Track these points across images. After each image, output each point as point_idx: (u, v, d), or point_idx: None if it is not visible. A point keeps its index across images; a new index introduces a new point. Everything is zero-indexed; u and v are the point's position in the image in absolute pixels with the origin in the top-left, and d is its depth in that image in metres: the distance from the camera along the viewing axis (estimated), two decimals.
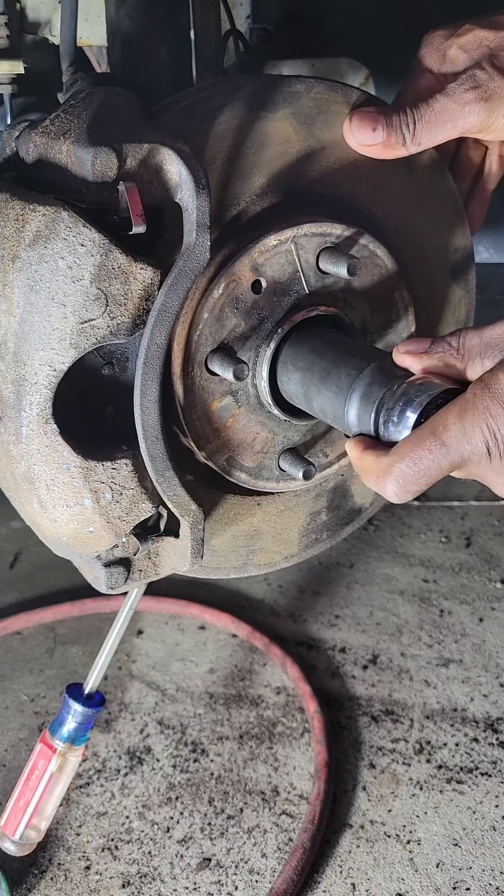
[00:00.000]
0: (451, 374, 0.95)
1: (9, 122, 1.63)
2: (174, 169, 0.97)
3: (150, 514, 1.10)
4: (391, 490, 0.93)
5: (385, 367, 1.02)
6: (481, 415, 0.87)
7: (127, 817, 1.69)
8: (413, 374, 0.98)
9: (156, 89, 1.30)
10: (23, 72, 1.55)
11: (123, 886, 1.56)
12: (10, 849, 1.47)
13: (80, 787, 1.75)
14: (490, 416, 0.87)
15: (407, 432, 0.94)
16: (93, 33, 1.64)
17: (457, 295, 1.37)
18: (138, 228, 0.96)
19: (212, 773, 1.78)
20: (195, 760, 1.81)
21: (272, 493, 1.28)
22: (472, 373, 0.94)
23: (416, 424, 0.93)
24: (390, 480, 0.92)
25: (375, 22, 1.98)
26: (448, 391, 0.93)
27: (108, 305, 0.96)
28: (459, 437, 0.88)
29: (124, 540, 1.12)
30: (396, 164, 1.25)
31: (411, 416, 0.93)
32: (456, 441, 0.88)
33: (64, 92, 1.36)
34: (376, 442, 0.98)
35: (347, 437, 1.27)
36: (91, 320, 0.96)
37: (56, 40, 1.64)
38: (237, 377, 1.06)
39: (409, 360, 0.98)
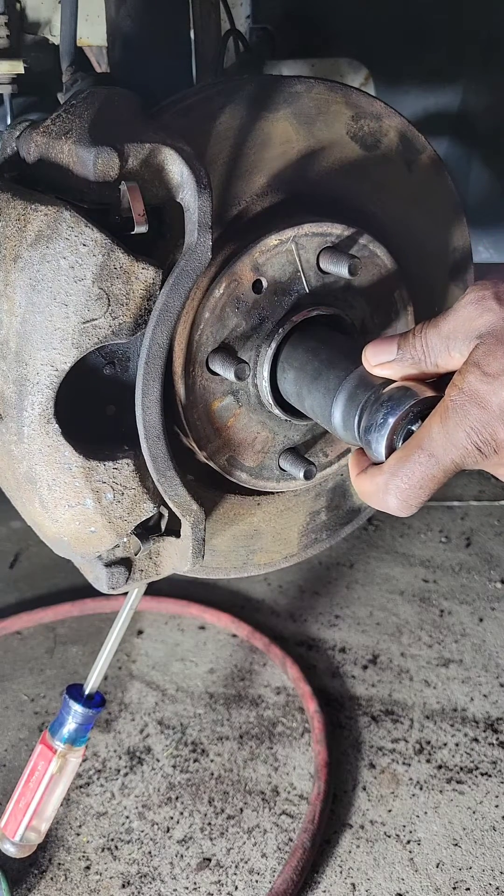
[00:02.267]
0: (429, 375, 0.96)
1: (9, 122, 1.63)
2: (176, 169, 0.97)
3: (151, 514, 1.10)
4: (394, 506, 0.93)
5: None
6: (461, 419, 0.87)
7: (127, 817, 1.69)
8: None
9: (156, 89, 1.30)
10: (23, 72, 1.54)
11: (123, 886, 1.56)
12: (10, 850, 1.47)
13: (80, 787, 1.75)
14: (469, 418, 0.87)
15: (384, 440, 0.95)
16: (93, 33, 1.64)
17: (455, 295, 1.37)
18: (140, 228, 0.96)
19: (212, 773, 1.78)
20: (195, 760, 1.81)
21: (272, 493, 1.28)
22: (445, 365, 0.94)
23: (394, 430, 0.94)
24: (390, 497, 0.93)
25: (375, 22, 1.98)
26: (426, 399, 0.94)
27: (109, 305, 0.96)
28: (446, 444, 0.88)
29: (125, 540, 1.12)
30: (396, 164, 1.25)
31: (389, 423, 0.94)
32: (443, 450, 0.89)
33: (64, 92, 1.36)
34: (371, 463, 0.99)
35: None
36: (93, 320, 0.96)
37: (56, 40, 1.64)
38: (238, 377, 1.06)
39: (383, 371, 0.98)
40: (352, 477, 1.00)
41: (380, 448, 0.95)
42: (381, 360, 0.98)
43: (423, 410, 0.93)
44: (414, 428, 0.94)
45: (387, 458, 0.95)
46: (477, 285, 0.93)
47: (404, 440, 0.94)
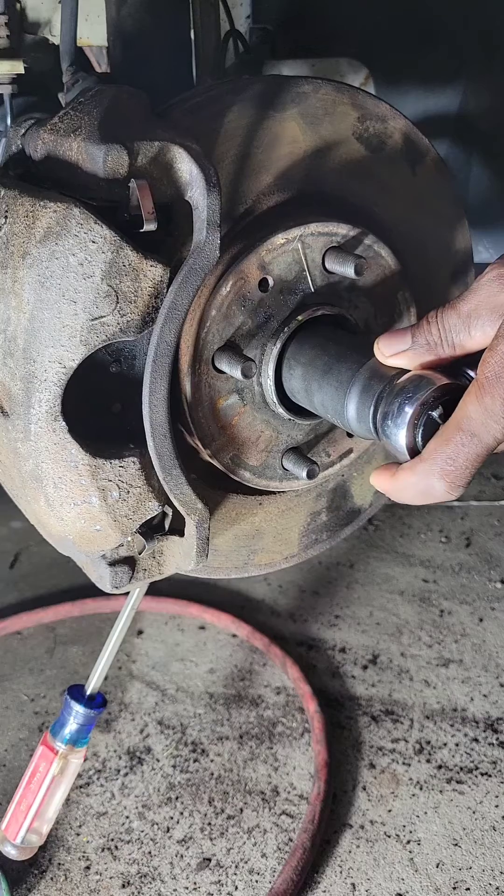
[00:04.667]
0: (445, 359, 0.95)
1: (9, 122, 1.63)
2: (185, 167, 0.97)
3: (156, 513, 1.10)
4: (441, 489, 0.91)
5: None
6: (498, 391, 0.86)
7: (127, 817, 1.69)
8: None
9: (156, 89, 1.30)
10: (23, 72, 1.54)
11: (123, 886, 1.56)
12: (12, 853, 1.46)
13: (81, 787, 1.75)
14: None
15: (404, 428, 0.93)
16: (93, 33, 1.64)
17: (456, 295, 1.38)
18: (149, 226, 0.96)
19: (212, 773, 1.78)
20: (195, 760, 1.81)
21: (274, 493, 1.28)
22: (464, 345, 0.93)
23: (413, 420, 0.93)
24: (436, 481, 0.91)
25: (375, 22, 1.99)
26: (445, 386, 0.93)
27: (118, 302, 0.96)
28: (487, 420, 0.87)
29: (129, 539, 1.11)
30: (400, 166, 1.25)
31: (408, 412, 0.93)
32: (484, 427, 0.87)
33: (65, 92, 1.36)
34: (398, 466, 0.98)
35: (350, 435, 1.28)
36: (101, 317, 0.96)
37: (56, 40, 1.64)
38: (245, 375, 1.06)
39: (397, 360, 0.97)
40: (384, 485, 0.97)
41: (398, 437, 0.94)
42: (395, 350, 0.97)
43: (441, 397, 0.92)
44: (434, 414, 0.92)
45: (407, 447, 0.94)
46: (496, 263, 0.93)
47: (424, 428, 0.93)
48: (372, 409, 0.99)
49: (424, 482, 0.92)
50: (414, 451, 0.94)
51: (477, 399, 0.87)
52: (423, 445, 0.92)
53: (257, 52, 2.00)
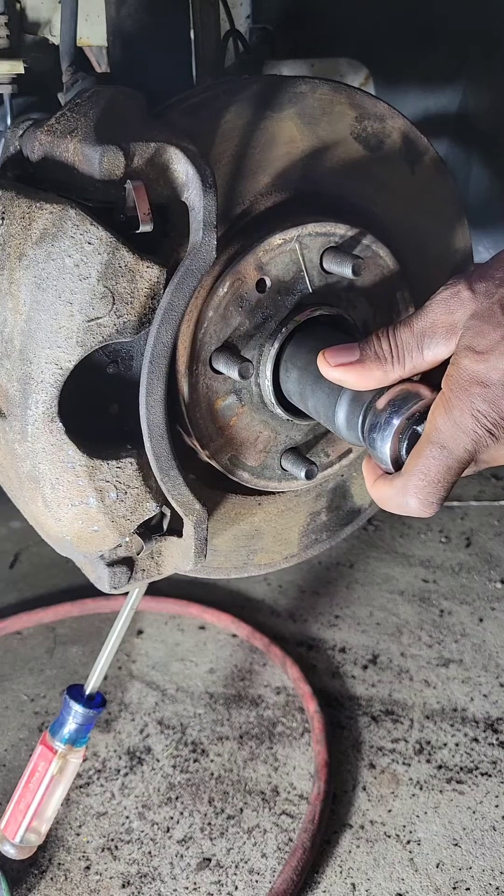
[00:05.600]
0: (392, 377, 0.94)
1: (9, 122, 1.63)
2: (181, 168, 0.97)
3: (154, 514, 1.10)
4: (415, 506, 0.91)
5: None
6: (466, 404, 0.86)
7: (127, 817, 1.69)
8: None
9: (156, 89, 1.30)
10: (23, 72, 1.54)
11: (123, 886, 1.56)
12: (10, 852, 1.46)
13: (80, 787, 1.75)
14: (473, 400, 0.86)
15: (389, 440, 0.94)
16: (93, 33, 1.64)
17: None
18: (145, 227, 0.96)
19: (212, 773, 1.78)
20: (195, 760, 1.81)
21: (273, 493, 1.28)
22: (414, 364, 0.92)
23: (399, 431, 0.93)
24: (410, 498, 0.91)
25: (375, 22, 1.99)
26: (432, 400, 0.92)
27: (114, 304, 0.96)
28: (455, 432, 0.87)
29: (128, 539, 1.11)
30: (399, 165, 1.25)
31: (394, 424, 0.93)
32: (453, 438, 0.87)
33: (64, 92, 1.36)
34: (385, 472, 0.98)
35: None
36: (98, 318, 0.96)
37: (56, 40, 1.64)
38: (242, 376, 1.06)
39: (340, 373, 0.96)
40: (367, 486, 0.98)
41: (384, 448, 0.94)
42: (340, 361, 0.96)
43: (427, 412, 0.92)
44: (419, 429, 0.93)
45: (391, 459, 0.94)
46: (449, 282, 0.92)
47: (409, 441, 0.93)
48: (361, 417, 0.99)
49: (400, 498, 0.92)
50: (398, 464, 0.95)
51: (445, 412, 0.87)
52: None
53: (257, 52, 2.00)
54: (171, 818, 1.69)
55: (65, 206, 0.94)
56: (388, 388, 0.96)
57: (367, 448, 0.99)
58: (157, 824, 1.67)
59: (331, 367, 0.96)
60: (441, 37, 1.97)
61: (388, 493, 0.94)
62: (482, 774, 1.76)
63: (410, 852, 1.61)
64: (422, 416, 0.93)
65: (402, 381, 0.96)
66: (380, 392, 0.97)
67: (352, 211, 1.19)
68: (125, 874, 1.58)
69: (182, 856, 1.61)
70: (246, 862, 1.60)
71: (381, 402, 0.95)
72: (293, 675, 1.98)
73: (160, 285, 0.98)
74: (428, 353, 0.91)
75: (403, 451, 0.94)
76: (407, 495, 0.91)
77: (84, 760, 1.76)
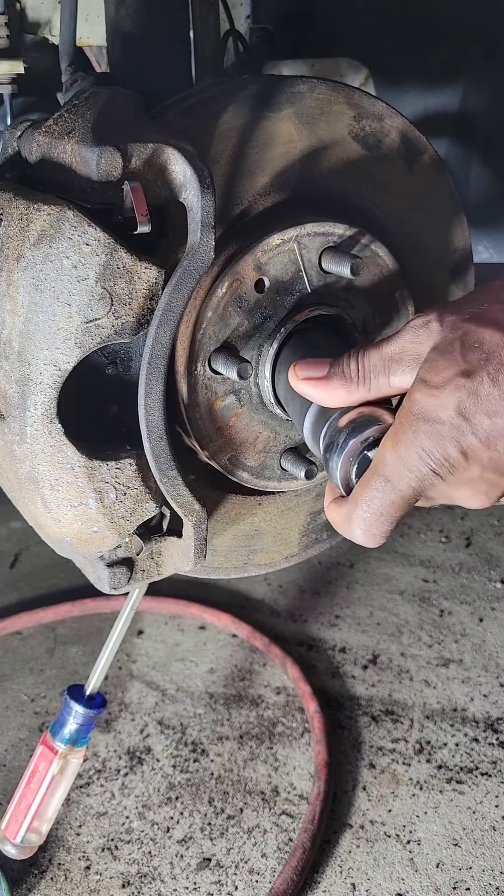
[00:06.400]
0: (356, 399, 0.93)
1: (9, 122, 1.63)
2: (179, 168, 0.97)
3: (153, 514, 1.10)
4: (359, 536, 0.91)
5: None
6: (412, 440, 0.84)
7: (127, 817, 1.69)
8: None
9: (156, 89, 1.30)
10: (23, 72, 1.54)
11: (123, 886, 1.56)
12: (11, 852, 1.46)
13: (81, 787, 1.75)
14: (419, 438, 0.84)
15: (341, 461, 0.93)
16: (93, 33, 1.64)
17: (456, 295, 1.38)
18: (143, 228, 0.96)
19: (212, 773, 1.78)
20: (195, 760, 1.81)
21: (273, 493, 1.28)
22: (379, 389, 0.91)
23: (351, 454, 0.92)
24: (354, 527, 0.90)
25: (375, 22, 1.99)
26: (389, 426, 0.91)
27: (112, 305, 0.96)
28: (400, 468, 0.85)
29: (127, 540, 1.12)
30: (397, 164, 1.25)
31: (349, 445, 0.92)
32: (397, 473, 0.85)
33: (64, 92, 1.36)
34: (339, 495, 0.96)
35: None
36: (96, 320, 0.96)
37: (56, 40, 1.64)
38: (241, 376, 1.06)
39: (307, 387, 0.95)
40: (325, 503, 0.97)
41: (335, 470, 0.93)
42: (308, 374, 0.95)
43: (381, 438, 0.90)
44: (370, 454, 0.91)
45: (341, 482, 0.93)
46: (422, 312, 0.90)
47: (359, 465, 0.92)
48: (322, 433, 0.98)
49: (346, 525, 0.91)
50: (348, 488, 0.93)
51: (392, 445, 0.86)
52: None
53: (257, 52, 2.00)
54: (171, 818, 1.69)
55: (62, 207, 0.94)
56: (350, 410, 0.95)
57: (324, 466, 0.98)
58: (157, 824, 1.68)
59: (299, 379, 0.96)
60: (441, 37, 1.97)
61: (336, 517, 0.93)
62: (482, 774, 1.76)
63: (410, 852, 1.61)
64: (375, 442, 0.91)
65: (368, 403, 0.94)
66: (344, 411, 0.96)
67: (350, 210, 1.19)
68: (125, 874, 1.58)
69: (182, 856, 1.61)
70: (246, 862, 1.60)
71: (343, 422, 0.94)
72: (293, 675, 1.98)
73: (158, 286, 0.98)
74: (394, 378, 0.90)
75: (353, 476, 0.93)
76: (352, 524, 0.90)
77: (84, 760, 1.77)
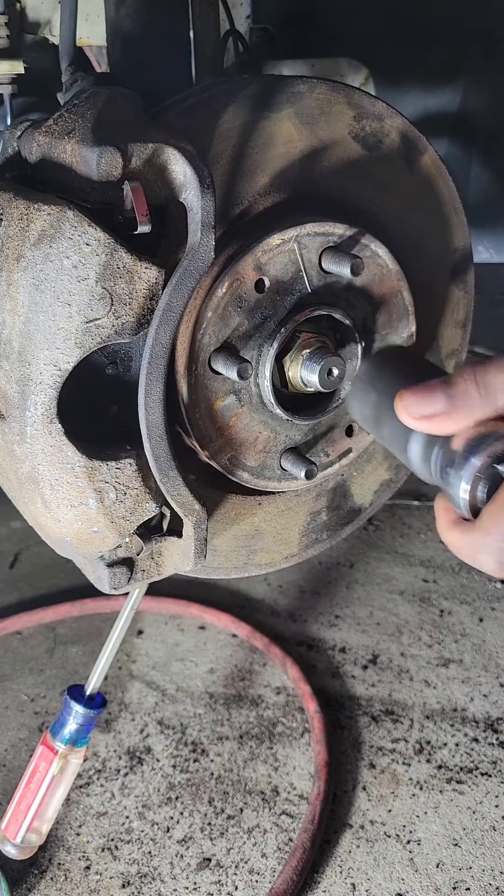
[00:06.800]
0: (478, 420, 0.86)
1: (9, 122, 1.63)
2: (179, 168, 0.97)
3: (153, 514, 1.10)
4: (490, 566, 0.84)
5: None
6: None
7: (127, 817, 1.69)
8: None
9: (156, 89, 1.30)
10: (23, 72, 1.55)
11: (123, 886, 1.56)
12: (11, 852, 1.46)
13: (81, 787, 1.75)
14: None
15: (466, 479, 0.86)
16: (93, 33, 1.64)
17: (456, 295, 1.38)
18: (143, 228, 0.96)
19: (212, 773, 1.78)
20: (195, 760, 1.81)
21: (273, 493, 1.28)
22: (500, 410, 0.84)
23: (479, 470, 0.86)
24: (484, 556, 0.84)
25: (375, 22, 1.99)
26: None
27: (113, 305, 0.96)
28: None
29: (127, 540, 1.12)
30: (397, 164, 1.25)
31: (473, 461, 0.86)
32: None
33: (64, 92, 1.36)
34: (460, 517, 0.89)
35: (349, 435, 1.28)
36: (96, 319, 0.96)
37: (56, 40, 1.64)
38: (241, 376, 1.06)
39: (429, 424, 0.86)
40: (439, 526, 0.90)
41: (459, 490, 0.87)
42: (425, 413, 0.86)
43: None
44: (500, 468, 0.85)
45: (469, 503, 0.87)
46: None
47: (490, 482, 0.86)
48: (435, 454, 0.90)
49: (473, 553, 0.85)
50: (475, 509, 0.87)
51: None
52: (487, 501, 0.85)
53: (257, 52, 2.00)
54: (171, 818, 1.69)
55: (63, 207, 0.94)
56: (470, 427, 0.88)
57: (442, 486, 0.90)
58: (157, 824, 1.68)
59: (414, 419, 0.87)
60: (441, 37, 1.97)
61: (459, 544, 0.86)
62: (482, 774, 1.76)
63: (410, 852, 1.61)
64: (502, 457, 0.85)
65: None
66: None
67: (350, 210, 1.19)
68: (125, 874, 1.58)
69: (182, 856, 1.61)
70: (246, 862, 1.60)
71: (460, 439, 0.87)
72: (293, 675, 1.98)
73: (158, 286, 0.98)
74: None
75: (483, 494, 0.86)
76: (483, 553, 0.84)
77: (84, 760, 1.77)
